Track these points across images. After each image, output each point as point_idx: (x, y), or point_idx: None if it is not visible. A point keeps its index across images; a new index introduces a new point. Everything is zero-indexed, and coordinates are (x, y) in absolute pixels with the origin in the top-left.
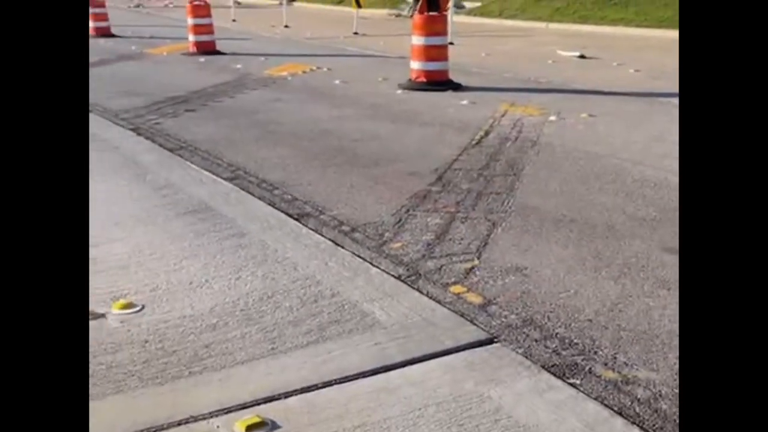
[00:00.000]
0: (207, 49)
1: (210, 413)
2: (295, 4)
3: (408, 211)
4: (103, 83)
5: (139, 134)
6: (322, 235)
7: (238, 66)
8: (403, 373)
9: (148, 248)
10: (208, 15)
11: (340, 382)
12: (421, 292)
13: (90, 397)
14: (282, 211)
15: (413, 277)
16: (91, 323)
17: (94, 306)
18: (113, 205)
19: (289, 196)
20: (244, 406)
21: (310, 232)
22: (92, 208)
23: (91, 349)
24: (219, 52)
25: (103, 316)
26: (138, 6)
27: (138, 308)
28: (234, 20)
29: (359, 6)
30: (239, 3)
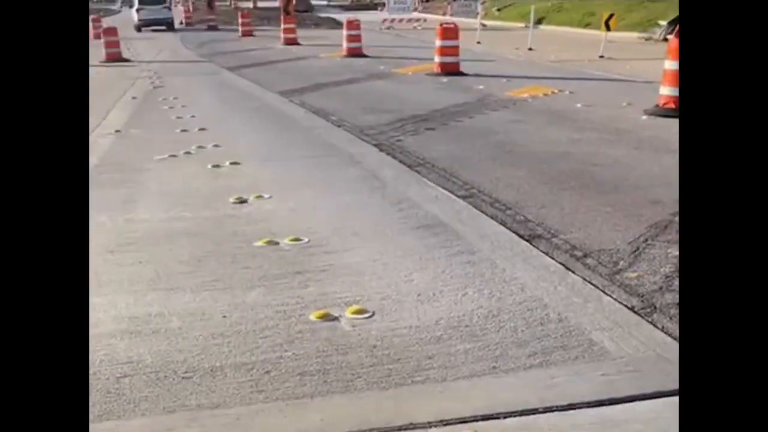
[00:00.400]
0: (451, 69)
1: (428, 423)
2: (541, 26)
3: (647, 240)
4: (353, 100)
5: (381, 150)
6: (553, 258)
7: (480, 87)
8: (631, 408)
9: (382, 258)
10: (456, 37)
11: (563, 410)
12: (655, 326)
13: (319, 393)
14: (513, 232)
15: (648, 310)
16: (326, 324)
17: (330, 309)
18: (354, 216)
19: (522, 217)
20: (462, 421)
21: (541, 254)
22: (335, 218)
23: (324, 349)
24: (462, 73)
25: (337, 318)
26: (389, 28)
27: (369, 314)
28: (479, 42)
29: (608, 29)
30: (485, 25)
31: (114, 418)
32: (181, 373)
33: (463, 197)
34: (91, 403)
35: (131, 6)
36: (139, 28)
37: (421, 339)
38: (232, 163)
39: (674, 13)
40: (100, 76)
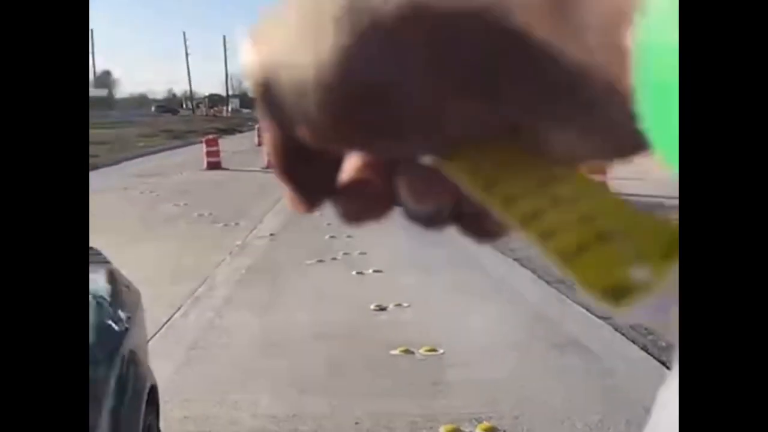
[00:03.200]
0: None
1: None
2: None
3: None
4: None
5: (522, 265)
6: None
7: None
8: None
9: (518, 375)
10: None
11: None
12: None
13: None
14: (653, 357)
15: None
16: None
17: (461, 424)
18: (493, 329)
19: (663, 343)
20: None
21: None
22: (473, 330)
23: None
24: None
25: None
26: None
27: None
28: None
29: None
30: None
31: None
32: None
33: (603, 318)
34: None
35: None
36: None
37: None
38: (375, 271)
39: None
40: (260, 181)
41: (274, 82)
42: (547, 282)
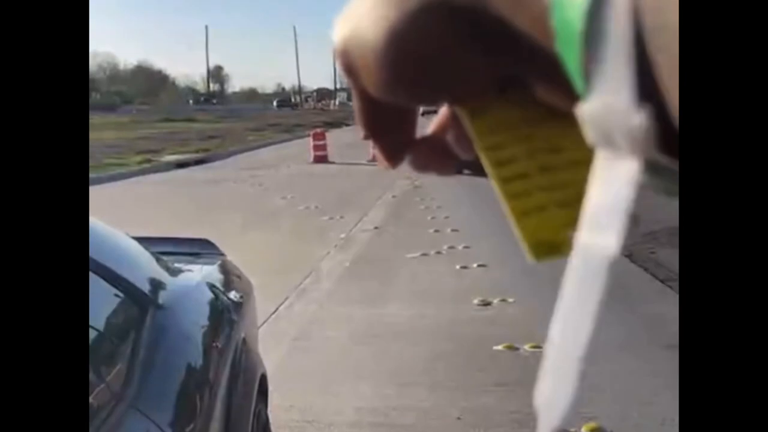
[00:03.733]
0: None
1: None
2: None
3: None
4: None
5: (632, 261)
6: None
7: None
8: None
9: (625, 376)
10: None
11: None
12: None
13: None
14: None
15: None
16: None
17: (566, 424)
18: (599, 329)
19: None
20: None
21: None
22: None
23: None
24: None
25: None
26: None
27: None
28: None
29: None
30: None
31: None
32: None
33: None
34: None
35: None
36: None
37: None
38: (479, 265)
39: None
40: (365, 174)
41: (348, 51)
42: (662, 281)
